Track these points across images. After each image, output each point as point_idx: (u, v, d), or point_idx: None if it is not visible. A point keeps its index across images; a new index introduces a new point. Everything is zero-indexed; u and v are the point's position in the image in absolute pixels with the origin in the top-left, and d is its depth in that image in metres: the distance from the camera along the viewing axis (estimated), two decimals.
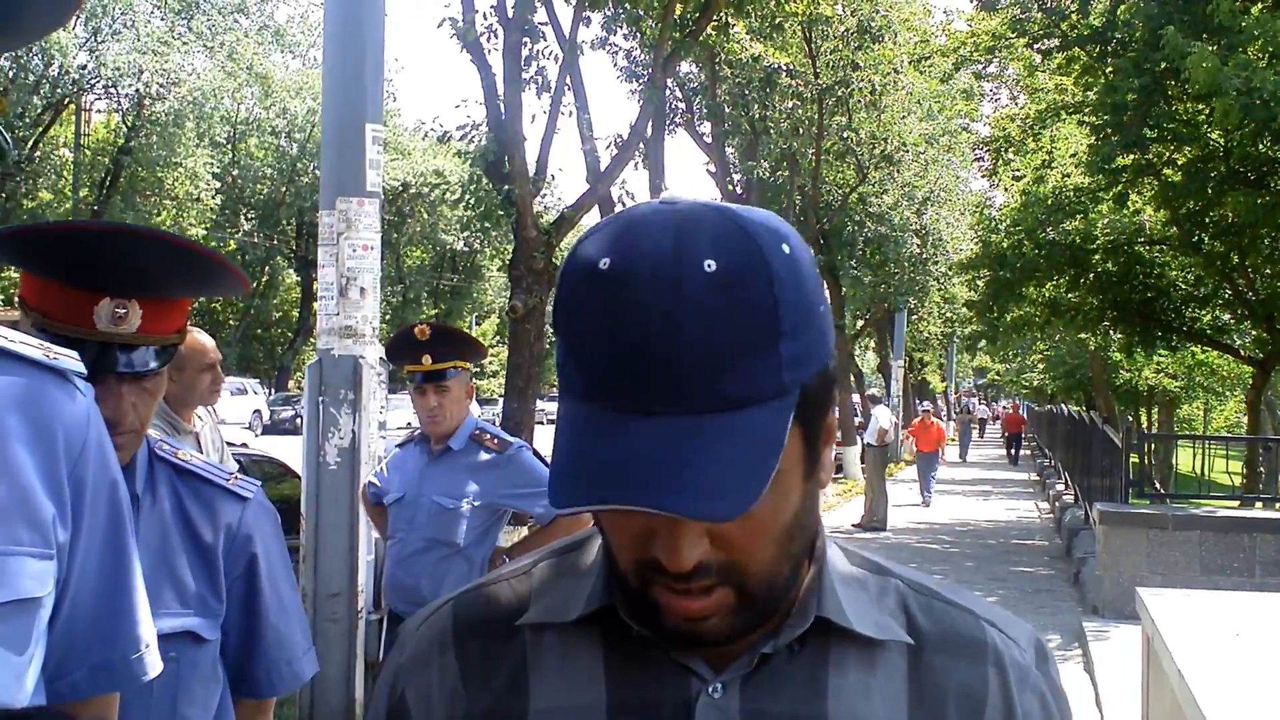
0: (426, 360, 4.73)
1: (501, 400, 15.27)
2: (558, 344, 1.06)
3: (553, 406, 47.02)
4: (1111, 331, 25.33)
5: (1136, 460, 13.77)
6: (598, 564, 1.18)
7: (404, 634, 1.26)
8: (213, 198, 43.20)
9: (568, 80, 14.99)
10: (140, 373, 1.98)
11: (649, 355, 0.97)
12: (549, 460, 1.07)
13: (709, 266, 0.98)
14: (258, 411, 39.54)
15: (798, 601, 1.14)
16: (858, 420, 30.05)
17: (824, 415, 1.09)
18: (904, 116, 28.87)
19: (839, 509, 22.55)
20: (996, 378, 76.28)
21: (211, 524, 2.16)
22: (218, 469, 2.24)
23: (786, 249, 1.03)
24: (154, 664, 1.57)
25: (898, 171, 30.47)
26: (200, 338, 5.14)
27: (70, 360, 1.41)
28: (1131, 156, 17.85)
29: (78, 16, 37.22)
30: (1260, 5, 14.93)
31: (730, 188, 27.15)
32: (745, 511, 0.96)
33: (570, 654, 1.16)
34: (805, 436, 1.06)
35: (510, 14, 14.09)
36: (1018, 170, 25.34)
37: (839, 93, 26.05)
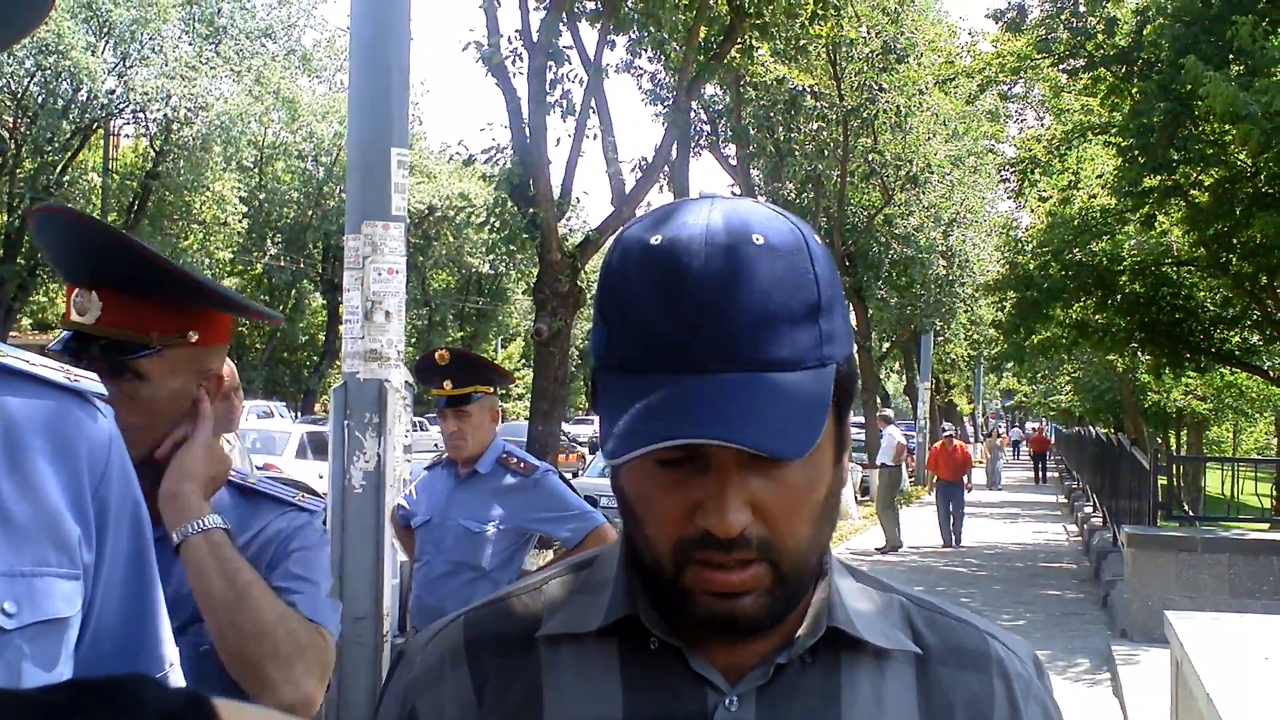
0: (447, 385, 4.75)
1: (527, 423, 15.28)
2: (600, 328, 1.10)
3: (578, 429, 47.17)
4: (1139, 353, 25.23)
5: (1165, 482, 13.73)
6: (614, 576, 1.20)
7: (412, 650, 1.26)
8: (240, 222, 43.38)
9: (592, 103, 15.04)
10: (114, 364, 1.96)
11: (705, 316, 1.02)
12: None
13: (757, 239, 1.05)
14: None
15: (809, 613, 1.16)
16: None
17: (849, 407, 1.14)
18: (929, 138, 28.83)
19: (866, 531, 22.43)
20: (1024, 399, 75.97)
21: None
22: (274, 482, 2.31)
23: (816, 239, 1.10)
24: (178, 684, 1.57)
25: (923, 193, 30.42)
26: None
27: (90, 382, 1.42)
28: (1158, 178, 17.81)
29: (106, 41, 37.59)
30: None
31: None
32: (809, 451, 1.00)
33: (586, 666, 1.17)
34: (837, 419, 1.12)
35: (535, 38, 14.16)
36: (1044, 191, 25.28)
37: (864, 114, 26.06)
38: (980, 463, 41.29)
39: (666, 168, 16.94)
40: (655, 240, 1.06)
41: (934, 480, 22.10)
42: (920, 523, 23.18)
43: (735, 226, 1.05)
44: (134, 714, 0.61)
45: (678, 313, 1.03)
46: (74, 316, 1.97)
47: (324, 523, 2.40)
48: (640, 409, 1.02)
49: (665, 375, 1.03)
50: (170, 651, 1.54)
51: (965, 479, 21.69)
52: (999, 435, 49.68)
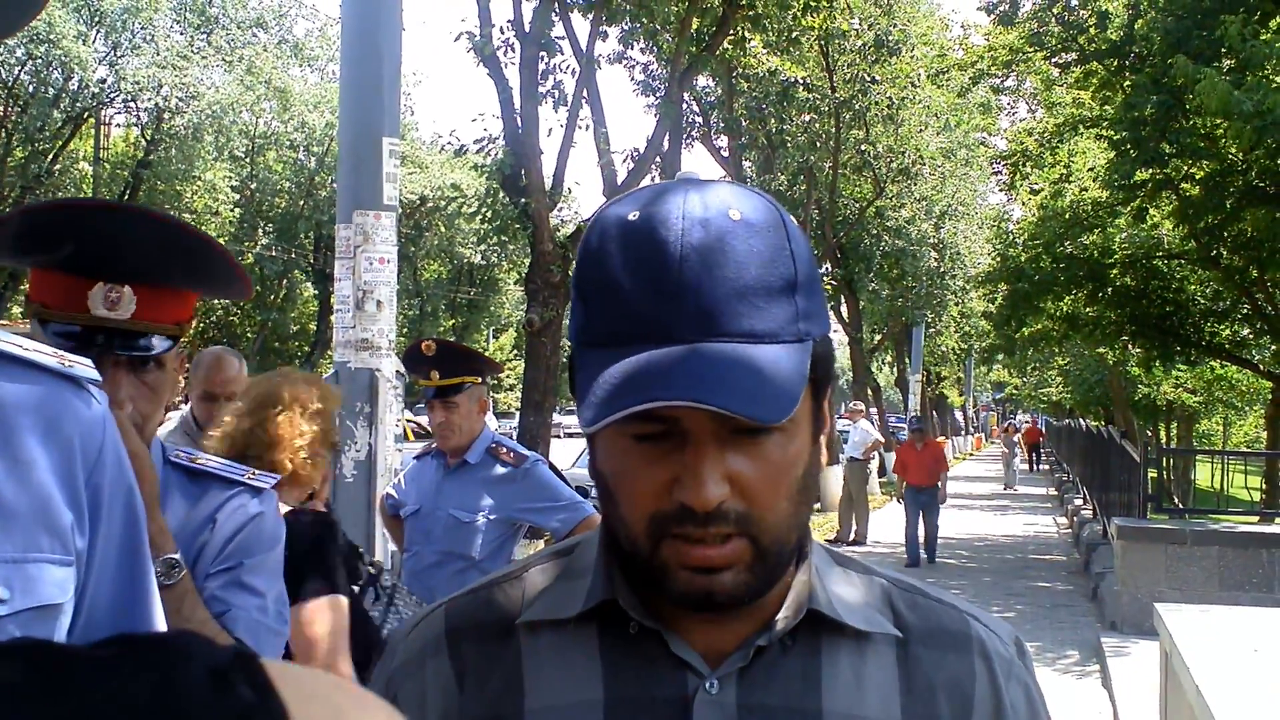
0: (434, 376, 4.75)
1: (518, 414, 15.27)
2: (578, 307, 1.11)
3: (569, 419, 46.96)
4: (1130, 346, 25.26)
5: (1155, 475, 13.75)
6: (594, 562, 1.20)
7: (394, 641, 1.27)
8: (231, 211, 43.29)
9: (584, 94, 15.03)
10: (138, 358, 1.96)
11: (683, 287, 1.03)
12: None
13: (734, 215, 1.07)
14: None
15: (789, 596, 1.17)
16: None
17: (826, 386, 1.15)
18: (921, 130, 28.85)
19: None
20: (1014, 392, 76.04)
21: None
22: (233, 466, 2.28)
23: (792, 219, 1.12)
24: None
25: (915, 185, 30.44)
26: (221, 364, 5.11)
27: (85, 368, 1.41)
28: (1150, 171, 17.82)
29: (98, 30, 37.47)
30: (1276, 21, 14.91)
31: None
32: (785, 416, 1.01)
33: (567, 652, 1.17)
34: (814, 397, 1.13)
35: (527, 28, 14.14)
36: (1035, 184, 25.29)
37: (856, 106, 26.05)
38: (961, 458, 40.69)
39: (658, 159, 16.91)
40: (633, 217, 1.08)
41: (902, 485, 17.92)
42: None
43: (712, 203, 1.07)
44: (182, 668, 0.61)
45: (656, 285, 1.04)
46: (98, 311, 1.91)
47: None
48: (618, 378, 1.02)
49: (643, 346, 1.03)
50: None
51: (940, 483, 17.52)
52: (1013, 430, 46.50)
